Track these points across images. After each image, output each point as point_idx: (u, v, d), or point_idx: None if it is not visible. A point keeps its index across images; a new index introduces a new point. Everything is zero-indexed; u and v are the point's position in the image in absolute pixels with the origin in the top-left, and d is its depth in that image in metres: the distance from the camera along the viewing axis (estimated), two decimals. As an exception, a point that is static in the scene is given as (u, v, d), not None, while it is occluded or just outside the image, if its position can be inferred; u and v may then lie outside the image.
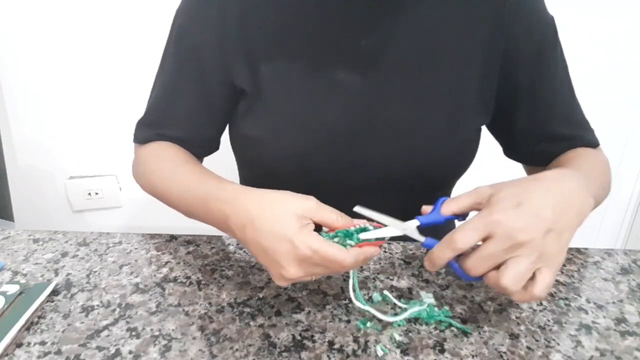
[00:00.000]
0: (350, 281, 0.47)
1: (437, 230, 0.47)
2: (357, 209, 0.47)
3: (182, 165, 0.60)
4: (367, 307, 0.47)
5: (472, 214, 0.46)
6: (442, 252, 0.43)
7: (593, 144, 0.65)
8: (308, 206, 0.45)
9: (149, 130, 0.66)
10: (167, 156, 0.63)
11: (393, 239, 0.50)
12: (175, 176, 0.58)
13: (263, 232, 0.44)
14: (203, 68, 0.61)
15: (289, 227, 0.43)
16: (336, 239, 0.45)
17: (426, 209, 0.48)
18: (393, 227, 0.46)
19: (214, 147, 0.70)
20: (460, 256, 0.43)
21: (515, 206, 0.42)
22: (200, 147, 0.67)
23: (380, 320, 0.48)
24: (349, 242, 0.45)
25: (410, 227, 0.46)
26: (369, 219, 0.46)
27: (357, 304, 0.47)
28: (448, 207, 0.46)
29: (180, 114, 0.64)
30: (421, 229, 0.46)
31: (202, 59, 0.60)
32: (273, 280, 0.46)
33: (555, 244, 0.42)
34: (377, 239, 0.46)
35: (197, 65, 0.61)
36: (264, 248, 0.44)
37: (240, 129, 0.64)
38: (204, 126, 0.66)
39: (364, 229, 0.46)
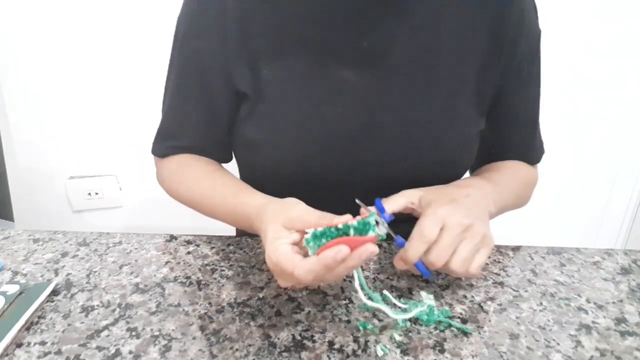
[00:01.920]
0: (356, 280, 0.45)
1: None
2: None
3: (204, 177, 0.63)
4: (377, 305, 0.46)
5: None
6: (417, 246, 0.48)
7: (532, 161, 0.71)
8: (288, 217, 0.45)
9: (163, 143, 0.67)
10: (189, 171, 0.65)
11: (390, 236, 0.50)
12: (202, 192, 0.62)
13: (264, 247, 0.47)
14: (207, 74, 0.61)
15: (266, 241, 0.45)
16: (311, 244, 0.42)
17: (371, 208, 0.52)
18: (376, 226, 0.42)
19: (228, 152, 0.70)
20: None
21: (450, 202, 0.51)
22: (215, 153, 0.68)
23: (380, 320, 0.48)
24: (310, 253, 0.41)
25: (379, 221, 0.49)
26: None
27: (370, 303, 0.46)
28: (390, 207, 0.52)
29: (189, 122, 0.65)
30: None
31: (205, 65, 0.60)
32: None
33: (487, 229, 0.51)
34: (334, 237, 0.41)
35: (201, 72, 0.61)
36: None
37: (241, 132, 0.64)
38: (213, 133, 0.66)
39: (316, 235, 0.41)
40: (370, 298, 0.47)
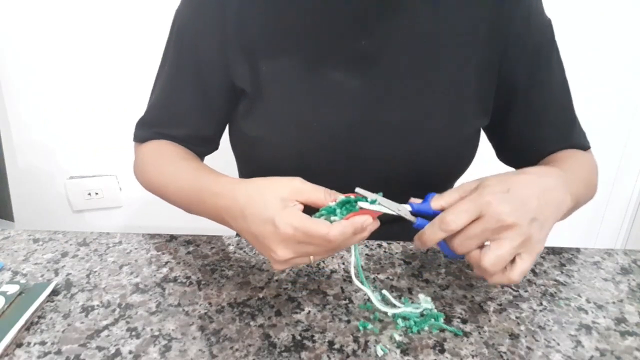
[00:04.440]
0: (352, 257, 0.46)
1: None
2: (358, 190, 0.45)
3: (179, 161, 0.61)
4: (366, 288, 0.46)
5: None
6: (434, 233, 0.44)
7: (583, 147, 0.66)
8: (292, 187, 0.45)
9: (148, 129, 0.66)
10: (165, 153, 0.63)
11: (390, 236, 0.50)
12: (173, 173, 0.59)
13: (251, 218, 0.45)
14: (202, 68, 0.61)
15: (271, 209, 0.43)
16: (323, 217, 0.44)
17: (415, 200, 0.48)
18: (388, 206, 0.45)
19: (213, 146, 0.70)
20: None
21: (504, 191, 0.43)
22: (200, 145, 0.68)
23: (380, 321, 0.48)
24: (332, 218, 0.43)
25: (404, 209, 0.46)
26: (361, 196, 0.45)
27: (357, 282, 0.46)
28: (437, 202, 0.47)
29: (180, 113, 0.64)
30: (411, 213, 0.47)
31: (201, 59, 0.60)
32: (272, 267, 0.47)
33: (538, 232, 0.43)
34: (361, 209, 0.44)
35: (197, 66, 0.61)
36: (254, 234, 0.45)
37: (240, 129, 0.64)
38: (203, 125, 0.66)
39: (347, 201, 0.44)
40: (360, 280, 0.47)
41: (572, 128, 0.65)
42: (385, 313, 0.49)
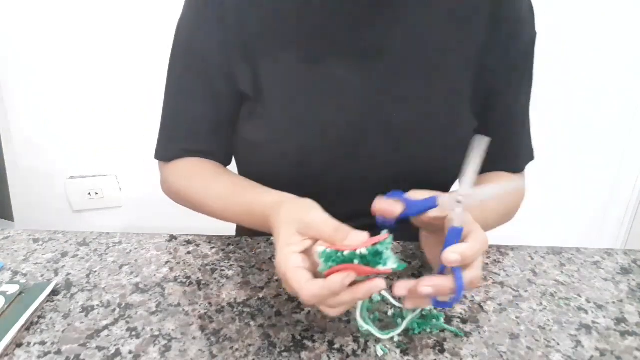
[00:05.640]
0: (358, 308, 0.43)
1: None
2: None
3: (217, 181, 0.62)
4: (368, 327, 0.44)
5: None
6: (476, 250, 0.42)
7: (517, 169, 0.68)
8: (304, 223, 0.42)
9: (171, 146, 0.66)
10: (200, 176, 0.64)
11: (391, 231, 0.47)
12: (214, 194, 0.61)
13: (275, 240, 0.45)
14: (211, 76, 0.61)
15: (276, 244, 0.44)
16: (322, 260, 0.39)
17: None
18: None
19: (231, 155, 0.70)
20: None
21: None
22: (221, 156, 0.67)
23: (380, 321, 0.48)
24: (319, 268, 0.39)
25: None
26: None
27: (360, 321, 0.43)
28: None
29: (197, 125, 0.64)
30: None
31: (209, 67, 0.61)
32: None
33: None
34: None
35: (206, 75, 0.61)
36: None
37: (241, 133, 0.64)
38: (220, 136, 0.66)
39: (329, 256, 0.38)
40: (364, 320, 0.44)
41: (519, 144, 0.67)
42: (385, 312, 0.49)
